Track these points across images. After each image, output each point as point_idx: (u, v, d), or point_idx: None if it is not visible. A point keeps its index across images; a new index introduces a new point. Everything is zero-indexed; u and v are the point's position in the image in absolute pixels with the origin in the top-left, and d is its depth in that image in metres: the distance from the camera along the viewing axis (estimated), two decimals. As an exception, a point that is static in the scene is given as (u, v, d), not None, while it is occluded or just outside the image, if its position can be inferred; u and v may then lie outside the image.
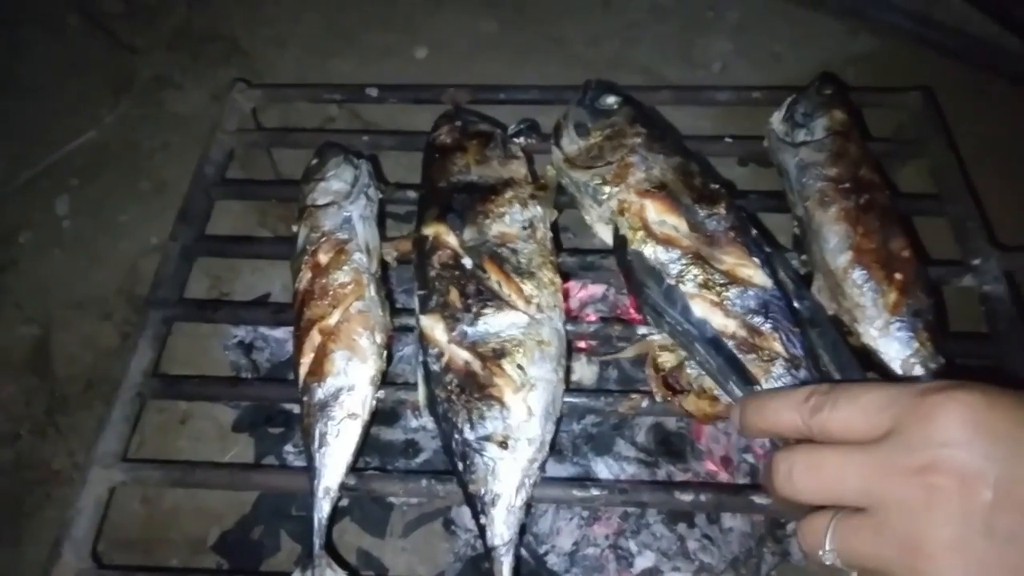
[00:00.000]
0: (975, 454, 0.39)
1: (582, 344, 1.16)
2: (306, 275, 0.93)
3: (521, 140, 1.09)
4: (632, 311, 1.19)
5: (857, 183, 0.95)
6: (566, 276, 1.24)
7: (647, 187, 0.88)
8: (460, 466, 0.78)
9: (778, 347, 0.75)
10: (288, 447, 1.09)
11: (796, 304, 0.79)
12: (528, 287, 0.85)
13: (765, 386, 0.73)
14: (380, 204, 1.03)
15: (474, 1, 1.73)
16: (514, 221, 0.91)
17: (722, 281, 0.79)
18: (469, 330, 0.81)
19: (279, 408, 1.13)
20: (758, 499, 0.83)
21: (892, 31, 1.65)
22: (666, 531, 1.05)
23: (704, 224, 0.83)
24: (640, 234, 0.85)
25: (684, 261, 0.81)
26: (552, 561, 1.02)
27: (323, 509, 0.79)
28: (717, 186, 0.89)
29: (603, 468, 1.06)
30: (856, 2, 1.68)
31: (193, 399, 1.11)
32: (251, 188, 1.19)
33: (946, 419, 0.40)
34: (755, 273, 0.80)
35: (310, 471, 0.81)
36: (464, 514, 1.05)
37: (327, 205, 0.97)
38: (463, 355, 0.81)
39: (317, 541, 0.77)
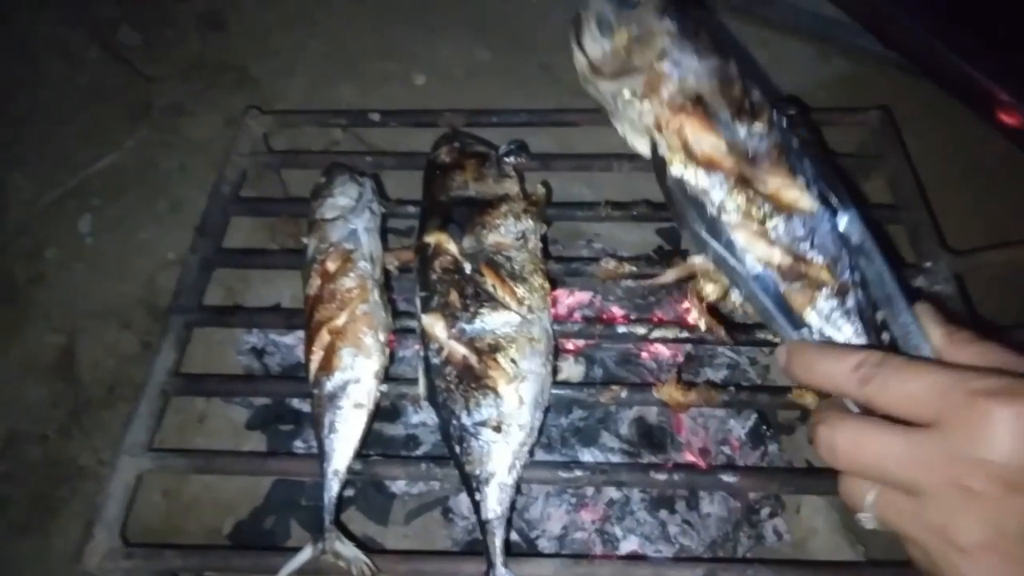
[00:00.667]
0: (1017, 465, 0.40)
1: (570, 346, 1.26)
2: (316, 281, 1.02)
3: (511, 159, 1.19)
4: (614, 312, 1.28)
5: (817, 194, 1.05)
6: (554, 283, 1.34)
7: (681, 101, 0.77)
8: (457, 449, 0.86)
9: (825, 275, 0.69)
10: (298, 442, 1.17)
11: (842, 229, 0.71)
12: (521, 290, 0.95)
13: (811, 316, 0.67)
14: (383, 218, 1.12)
15: (469, 31, 1.84)
16: (508, 232, 1.01)
17: (767, 208, 0.71)
18: (467, 327, 0.91)
19: (289, 407, 1.21)
20: (726, 478, 0.92)
21: (861, 54, 1.76)
22: (649, 517, 1.13)
23: (744, 143, 0.74)
24: (680, 156, 0.76)
25: (727, 187, 0.73)
26: (542, 544, 1.10)
27: (333, 489, 0.88)
28: (759, 96, 0.79)
29: (589, 459, 1.14)
30: (827, 27, 1.79)
31: (213, 395, 1.19)
32: (263, 205, 1.29)
33: (993, 430, 0.40)
34: (801, 196, 0.72)
35: (320, 456, 0.89)
36: (462, 503, 1.13)
37: (335, 219, 1.07)
38: (461, 350, 0.90)
39: (327, 517, 0.86)
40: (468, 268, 0.96)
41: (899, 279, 0.65)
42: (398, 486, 1.15)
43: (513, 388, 0.88)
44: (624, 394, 0.98)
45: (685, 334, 1.04)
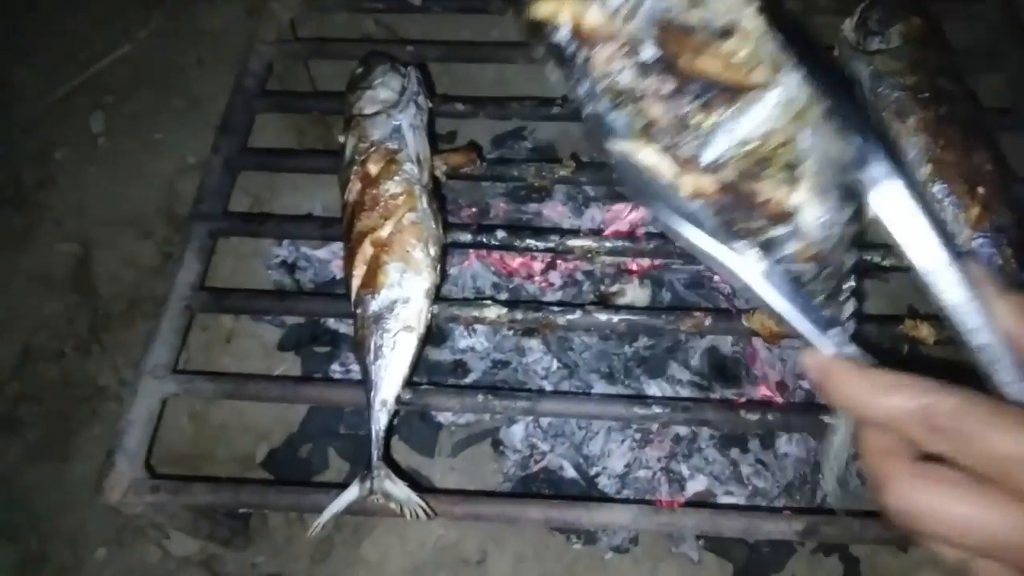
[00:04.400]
0: None
1: (634, 267, 1.13)
2: (355, 186, 0.89)
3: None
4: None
5: (937, 93, 0.90)
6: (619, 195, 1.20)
7: None
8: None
9: None
10: (335, 366, 1.07)
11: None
12: (745, 49, 0.53)
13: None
14: (429, 116, 0.98)
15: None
16: None
17: None
18: (703, 155, 0.46)
19: (325, 327, 1.11)
20: (829, 419, 0.80)
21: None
22: (719, 455, 1.03)
23: None
24: None
25: None
26: (603, 483, 1.00)
27: (380, 421, 0.77)
28: None
29: (656, 392, 1.03)
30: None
31: (241, 312, 1.09)
32: (292, 100, 1.15)
33: None
34: None
35: (366, 384, 0.79)
36: (514, 434, 1.03)
37: (375, 114, 0.93)
38: (708, 183, 0.53)
39: (376, 452, 0.76)
40: (650, 51, 0.51)
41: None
42: (445, 416, 1.05)
43: (805, 190, 0.52)
44: (708, 321, 0.86)
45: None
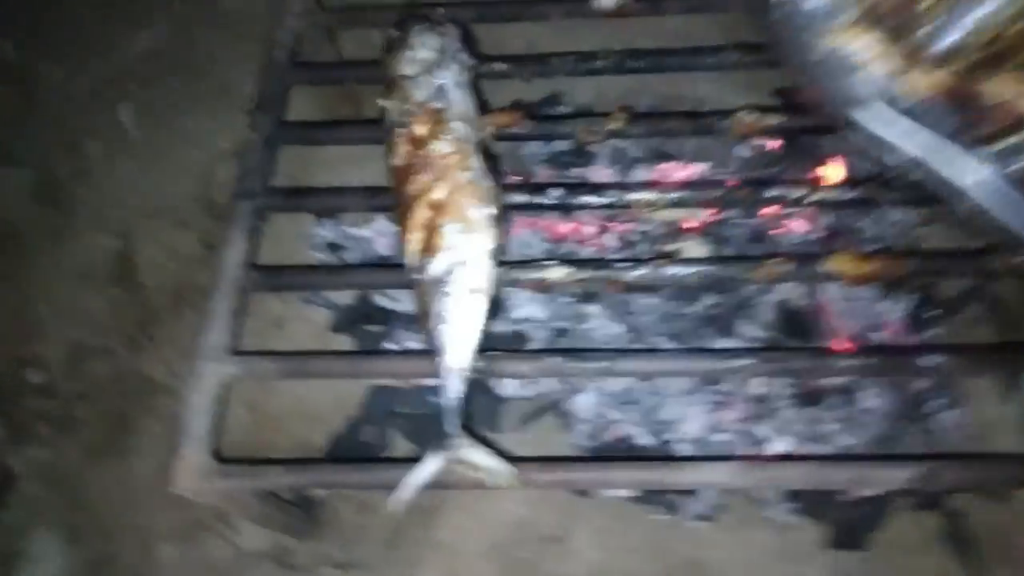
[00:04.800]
0: None
1: (691, 224, 1.08)
2: (403, 149, 0.85)
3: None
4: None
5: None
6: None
7: None
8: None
9: None
10: (390, 344, 1.04)
11: None
12: None
13: None
14: (475, 75, 0.94)
15: None
16: None
17: None
18: (934, 44, 0.43)
19: (377, 305, 1.07)
20: (924, 361, 0.75)
21: None
22: (796, 415, 0.98)
23: None
24: None
25: None
26: (680, 449, 0.96)
27: (455, 388, 0.73)
28: None
29: (727, 350, 0.98)
30: None
31: (301, 289, 1.05)
32: (326, 71, 1.11)
33: None
34: None
35: (435, 350, 0.75)
36: (581, 404, 0.99)
37: (416, 75, 0.89)
38: (935, 80, 0.45)
39: (455, 422, 0.72)
40: None
41: None
42: (508, 388, 1.01)
43: None
44: (785, 268, 0.80)
45: (852, 194, 0.86)
